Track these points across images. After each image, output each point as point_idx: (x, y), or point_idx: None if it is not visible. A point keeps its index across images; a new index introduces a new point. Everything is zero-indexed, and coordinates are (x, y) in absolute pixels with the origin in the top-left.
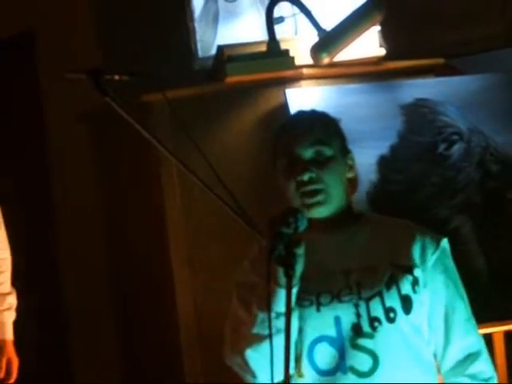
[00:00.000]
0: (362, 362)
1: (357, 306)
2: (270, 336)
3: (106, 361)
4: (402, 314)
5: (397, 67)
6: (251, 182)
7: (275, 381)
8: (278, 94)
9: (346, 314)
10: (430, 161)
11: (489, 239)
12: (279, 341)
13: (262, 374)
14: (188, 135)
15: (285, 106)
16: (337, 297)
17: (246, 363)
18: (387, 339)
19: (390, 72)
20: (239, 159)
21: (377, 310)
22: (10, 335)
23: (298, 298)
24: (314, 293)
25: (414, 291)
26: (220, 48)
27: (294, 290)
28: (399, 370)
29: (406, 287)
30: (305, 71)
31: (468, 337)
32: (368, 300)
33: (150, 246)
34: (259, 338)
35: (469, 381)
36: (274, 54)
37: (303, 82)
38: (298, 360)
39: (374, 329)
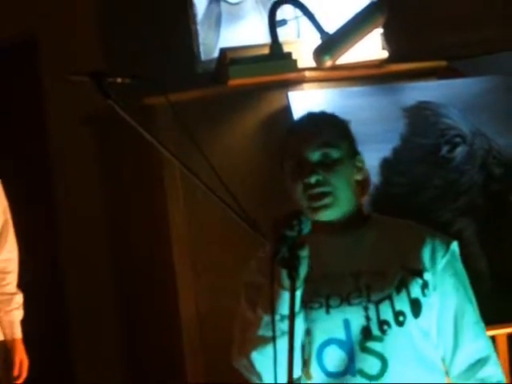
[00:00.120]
0: (370, 364)
1: (366, 309)
2: (274, 338)
3: (108, 362)
4: (411, 317)
5: (399, 70)
6: (254, 184)
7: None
8: (281, 96)
9: (355, 316)
10: (433, 163)
11: (491, 242)
12: (284, 343)
13: (268, 376)
14: (191, 138)
15: (287, 109)
16: (346, 299)
17: (252, 365)
18: (396, 342)
19: (392, 75)
20: (242, 162)
21: (386, 314)
22: (19, 334)
23: (308, 300)
24: (324, 295)
25: (424, 295)
26: (222, 51)
27: (298, 293)
28: (408, 373)
29: (415, 291)
30: (307, 74)
31: (477, 341)
32: (377, 303)
33: (152, 248)
34: (264, 341)
35: None
36: (276, 56)
37: (306, 85)
38: (306, 362)
39: (383, 332)
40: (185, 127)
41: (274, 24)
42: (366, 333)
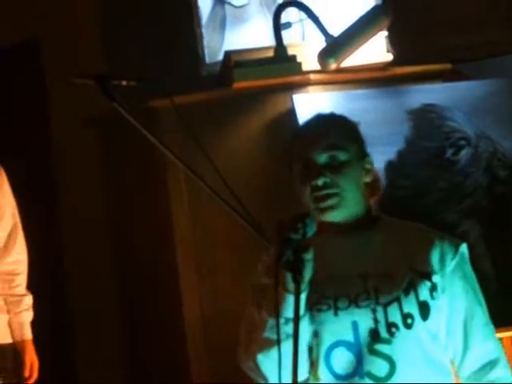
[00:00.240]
0: (379, 367)
1: (374, 311)
2: (279, 342)
3: (111, 364)
4: (419, 320)
5: (404, 73)
6: (258, 187)
7: None
8: (285, 99)
9: (363, 319)
10: (438, 166)
11: (496, 244)
12: (289, 346)
13: (274, 379)
14: (195, 140)
15: (292, 112)
16: (354, 301)
17: (258, 367)
18: (404, 345)
19: (397, 77)
20: (246, 164)
21: (394, 316)
22: (29, 335)
23: (315, 301)
24: (332, 297)
25: (432, 297)
26: (227, 54)
27: (303, 296)
28: (416, 375)
29: (424, 293)
30: (312, 77)
31: (487, 343)
32: (386, 305)
33: (156, 250)
34: (269, 343)
35: None
36: (281, 59)
37: (310, 88)
38: (314, 364)
39: (391, 334)
40: (189, 130)
41: (278, 27)
42: (375, 335)
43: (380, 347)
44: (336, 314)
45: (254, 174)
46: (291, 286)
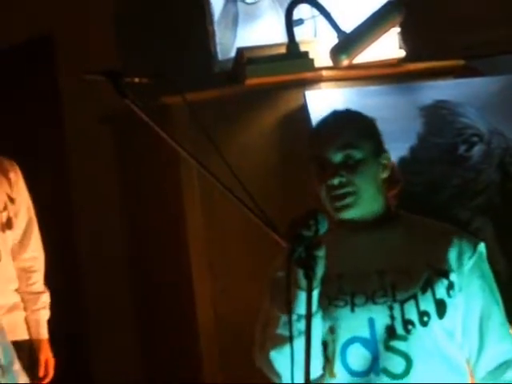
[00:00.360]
0: (395, 363)
1: (391, 308)
2: (291, 338)
3: (124, 363)
4: (435, 317)
5: (416, 69)
6: (271, 184)
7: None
8: (298, 96)
9: (380, 316)
10: (450, 162)
11: (509, 240)
12: (302, 343)
13: (287, 375)
14: (208, 137)
15: (304, 108)
16: (371, 298)
17: (271, 364)
18: (420, 342)
19: (409, 74)
20: (259, 161)
21: (411, 313)
22: (45, 334)
23: (332, 297)
24: (349, 293)
25: (449, 295)
26: (239, 50)
27: (315, 293)
28: (432, 372)
29: (441, 291)
30: (324, 73)
31: (503, 343)
32: (402, 302)
33: (169, 249)
34: (282, 340)
35: None
36: (293, 56)
37: (323, 84)
38: (329, 360)
39: (407, 331)
40: (202, 127)
41: (290, 23)
42: (391, 332)
43: (396, 344)
44: (353, 310)
45: (266, 170)
46: (303, 282)
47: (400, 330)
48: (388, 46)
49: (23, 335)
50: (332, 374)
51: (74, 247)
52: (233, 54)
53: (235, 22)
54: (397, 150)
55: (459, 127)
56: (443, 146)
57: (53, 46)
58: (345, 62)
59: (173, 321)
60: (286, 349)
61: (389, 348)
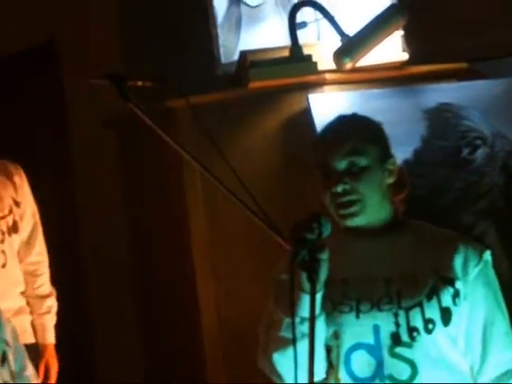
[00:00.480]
0: (400, 370)
1: (396, 315)
2: (294, 341)
3: (128, 367)
4: (440, 325)
5: (419, 72)
6: (274, 187)
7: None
8: (301, 99)
9: (385, 322)
10: (454, 165)
11: None
12: (305, 345)
13: (290, 378)
14: (211, 141)
15: (308, 112)
16: (376, 305)
17: (274, 366)
18: (425, 349)
19: (413, 77)
20: (262, 164)
21: (416, 321)
22: (51, 339)
23: (338, 302)
24: (354, 299)
25: (455, 303)
26: (243, 53)
27: (318, 296)
28: (436, 379)
29: (446, 299)
30: (328, 76)
31: (506, 351)
32: (408, 310)
33: (172, 252)
34: (285, 342)
35: None
36: (296, 59)
37: (326, 87)
38: (333, 366)
39: (412, 339)
40: (205, 130)
41: (294, 26)
42: (396, 339)
43: (401, 351)
44: (358, 316)
45: (269, 173)
46: (306, 285)
47: (405, 337)
48: (391, 49)
49: (30, 339)
50: (336, 380)
51: (77, 250)
52: (236, 57)
53: (238, 25)
54: (400, 152)
55: (463, 130)
56: (447, 148)
57: (57, 50)
58: (348, 65)
59: (176, 324)
60: (289, 351)
61: (394, 355)
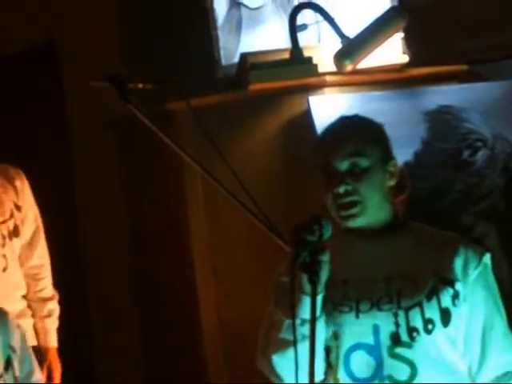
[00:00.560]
0: (400, 371)
1: (396, 315)
2: (295, 343)
3: (128, 369)
4: (440, 326)
5: (420, 74)
6: (275, 189)
7: None
8: (301, 101)
9: (384, 322)
10: (454, 167)
11: None
12: (305, 347)
13: (289, 379)
14: (211, 143)
15: (308, 114)
16: (376, 305)
17: (273, 368)
18: (425, 350)
19: (413, 79)
20: (262, 166)
21: (416, 321)
22: (53, 343)
23: (338, 302)
24: (354, 299)
25: (454, 304)
26: (243, 56)
27: (319, 297)
28: (435, 380)
29: (446, 300)
30: (328, 78)
31: (505, 353)
32: (407, 310)
33: (172, 253)
34: (285, 344)
35: None
36: (297, 61)
37: (326, 90)
38: (332, 366)
39: (412, 339)
40: (205, 132)
41: (294, 29)
42: (395, 339)
43: (401, 351)
44: (357, 316)
45: (270, 175)
46: (307, 287)
47: (405, 337)
48: (391, 51)
49: (31, 342)
50: (335, 380)
51: (77, 251)
52: (236, 59)
53: (239, 28)
54: (401, 154)
55: (463, 132)
56: (447, 150)
57: (57, 51)
58: (348, 68)
59: (177, 326)
60: (289, 353)
61: (393, 355)
